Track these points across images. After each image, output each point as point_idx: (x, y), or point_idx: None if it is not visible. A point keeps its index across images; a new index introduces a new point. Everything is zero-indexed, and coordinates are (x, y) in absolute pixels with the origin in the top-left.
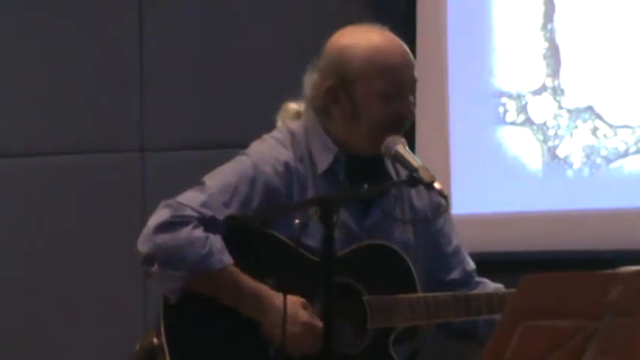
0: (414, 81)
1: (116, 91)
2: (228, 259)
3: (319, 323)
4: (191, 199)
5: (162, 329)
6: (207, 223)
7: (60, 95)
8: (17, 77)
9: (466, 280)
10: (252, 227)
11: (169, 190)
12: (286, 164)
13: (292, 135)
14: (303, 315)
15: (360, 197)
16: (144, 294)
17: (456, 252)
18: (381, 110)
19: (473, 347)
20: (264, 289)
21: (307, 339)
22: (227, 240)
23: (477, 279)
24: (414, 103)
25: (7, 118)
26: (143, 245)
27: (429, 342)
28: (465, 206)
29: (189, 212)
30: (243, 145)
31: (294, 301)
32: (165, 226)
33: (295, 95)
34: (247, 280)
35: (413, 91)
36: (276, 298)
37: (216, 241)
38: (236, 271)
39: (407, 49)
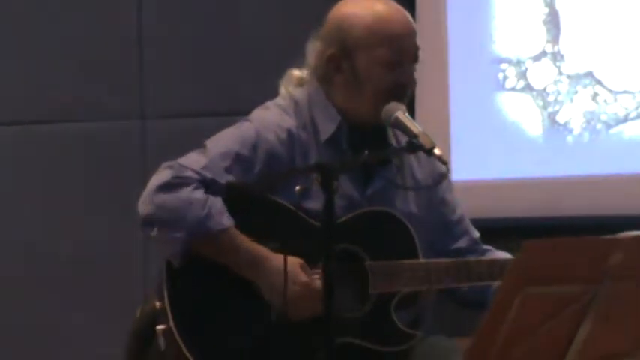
0: (416, 49)
1: (116, 58)
2: (227, 221)
3: (318, 284)
4: (193, 161)
5: (165, 292)
6: (208, 186)
7: (60, 63)
8: (17, 45)
9: (473, 248)
10: (254, 193)
11: (170, 158)
12: (289, 131)
13: (295, 102)
14: (302, 276)
15: (361, 164)
16: (144, 260)
17: (461, 220)
18: (383, 79)
19: (474, 314)
20: (264, 251)
21: (306, 300)
22: (228, 206)
23: (484, 246)
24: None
25: (7, 86)
26: (143, 206)
27: (430, 308)
28: (465, 172)
29: (189, 174)
30: (243, 113)
31: (292, 262)
32: (165, 187)
33: (297, 63)
34: (246, 242)
35: (415, 59)
36: (275, 259)
37: (217, 202)
38: (236, 233)
39: (409, 16)
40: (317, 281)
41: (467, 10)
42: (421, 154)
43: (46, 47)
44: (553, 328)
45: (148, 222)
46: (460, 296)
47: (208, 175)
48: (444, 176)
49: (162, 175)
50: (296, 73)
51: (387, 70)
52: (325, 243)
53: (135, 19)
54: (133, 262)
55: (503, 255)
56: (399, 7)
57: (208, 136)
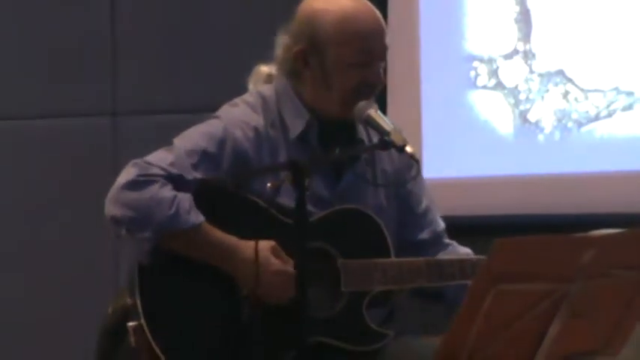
0: (384, 48)
1: (88, 54)
2: (196, 217)
3: (291, 269)
4: (159, 158)
5: (136, 289)
6: (175, 182)
7: (31, 59)
8: None
9: (435, 241)
10: (226, 189)
11: (141, 154)
12: (256, 129)
13: (264, 99)
14: (275, 263)
15: (332, 161)
16: (115, 257)
17: (426, 212)
18: (351, 77)
19: (446, 311)
20: (234, 241)
21: (280, 286)
22: (198, 201)
23: (447, 240)
24: (385, 70)
25: None
26: (110, 206)
27: (402, 307)
28: (437, 170)
29: (156, 171)
30: (215, 110)
31: (264, 249)
32: (131, 185)
33: (267, 59)
34: (217, 234)
35: (383, 58)
36: (247, 248)
37: (185, 200)
38: (205, 227)
39: (378, 15)
40: (289, 266)
41: (439, 7)
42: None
43: (16, 42)
44: (525, 325)
45: (116, 222)
46: (422, 290)
47: (175, 171)
48: (414, 173)
49: (128, 173)
50: (264, 69)
51: (354, 70)
52: (297, 241)
53: (108, 16)
54: (103, 259)
55: (466, 250)
56: (369, 4)
57: (179, 133)
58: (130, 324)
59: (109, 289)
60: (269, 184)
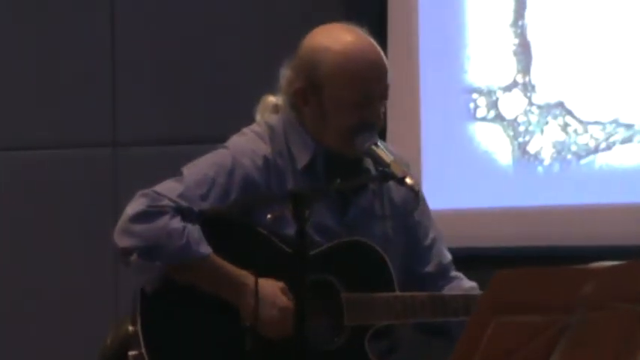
0: (385, 88)
1: (88, 85)
2: (205, 249)
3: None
4: (168, 189)
5: (138, 318)
6: (184, 214)
7: (31, 90)
8: None
9: (441, 274)
10: (230, 219)
11: (141, 185)
12: (265, 158)
13: (271, 129)
14: (282, 300)
15: (333, 192)
16: (115, 288)
17: (432, 245)
18: (348, 117)
19: (447, 344)
20: (243, 275)
21: (284, 323)
22: (204, 231)
23: (453, 273)
24: (385, 109)
25: None
26: (120, 237)
27: (405, 340)
28: (436, 202)
29: (165, 202)
30: (216, 140)
31: (272, 285)
32: (141, 216)
33: (271, 89)
34: (225, 266)
35: (384, 97)
36: (252, 282)
37: (194, 231)
38: (214, 259)
39: (381, 53)
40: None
41: (438, 38)
42: None
43: (17, 72)
44: (525, 357)
45: (126, 253)
46: (426, 325)
47: (184, 203)
48: (415, 205)
49: (137, 204)
50: (271, 99)
51: (352, 110)
52: (297, 272)
53: (108, 46)
54: (104, 288)
55: (471, 285)
56: (371, 41)
57: (180, 164)
58: (131, 353)
59: (108, 320)
60: (269, 216)
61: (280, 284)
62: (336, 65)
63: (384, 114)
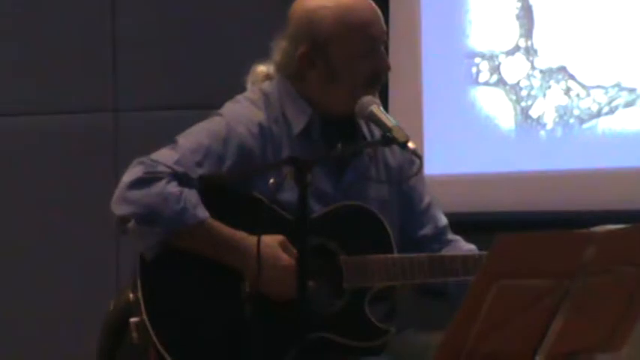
0: (383, 30)
1: (89, 51)
2: (203, 213)
3: (294, 265)
4: (164, 156)
5: (139, 284)
6: (181, 180)
7: (32, 56)
8: None
9: (437, 237)
10: (228, 185)
11: (142, 151)
12: (260, 125)
13: (266, 96)
14: (282, 258)
15: (334, 157)
16: (117, 253)
17: (428, 208)
18: (360, 68)
19: (447, 307)
20: (242, 237)
21: (282, 282)
22: (202, 198)
23: (450, 236)
24: (387, 50)
25: None
26: (117, 205)
27: (405, 302)
28: (438, 167)
29: (162, 168)
30: (216, 106)
31: (272, 245)
32: (138, 183)
33: (267, 56)
34: (224, 231)
35: (384, 41)
36: (253, 242)
37: (191, 195)
38: (212, 223)
39: (371, 1)
40: (295, 261)
41: (440, 4)
42: None
43: (16, 39)
44: (526, 321)
45: (124, 221)
46: (423, 286)
47: (180, 169)
48: (416, 169)
49: (134, 172)
50: (261, 68)
51: (362, 60)
52: (299, 237)
53: (109, 12)
54: (105, 255)
55: (469, 247)
56: None
57: (181, 129)
58: (132, 320)
59: (111, 286)
60: (271, 181)
61: (279, 238)
62: (336, 20)
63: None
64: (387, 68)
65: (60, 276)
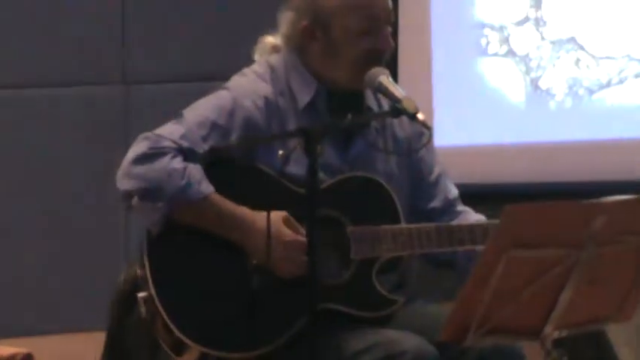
0: (389, 12)
1: (100, 23)
2: (207, 188)
3: (303, 239)
4: (169, 131)
5: (146, 260)
6: (186, 155)
7: (44, 27)
8: (1, 10)
9: (447, 209)
10: (235, 157)
11: (153, 123)
12: (266, 98)
13: (272, 69)
14: (287, 234)
15: (343, 128)
16: (127, 227)
17: (438, 180)
18: (359, 46)
19: (457, 278)
20: (246, 212)
21: (292, 258)
22: (209, 172)
23: (459, 207)
24: (396, 32)
25: None
26: (121, 180)
27: (413, 273)
28: (447, 138)
29: (167, 144)
30: (226, 78)
31: (276, 219)
32: (142, 158)
33: (275, 28)
34: (228, 206)
35: (389, 22)
36: (258, 219)
37: (195, 171)
38: (216, 198)
39: None
40: (301, 235)
41: None
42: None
43: (28, 12)
44: (536, 291)
45: (128, 196)
46: (431, 256)
47: (185, 144)
48: (426, 141)
49: (138, 147)
50: (269, 40)
51: (362, 38)
52: (309, 209)
53: None
54: (115, 229)
55: (479, 218)
56: None
57: (191, 101)
58: (140, 295)
59: (120, 259)
60: (280, 152)
61: (283, 214)
62: None
63: (392, 41)
64: (389, 48)
65: (69, 249)
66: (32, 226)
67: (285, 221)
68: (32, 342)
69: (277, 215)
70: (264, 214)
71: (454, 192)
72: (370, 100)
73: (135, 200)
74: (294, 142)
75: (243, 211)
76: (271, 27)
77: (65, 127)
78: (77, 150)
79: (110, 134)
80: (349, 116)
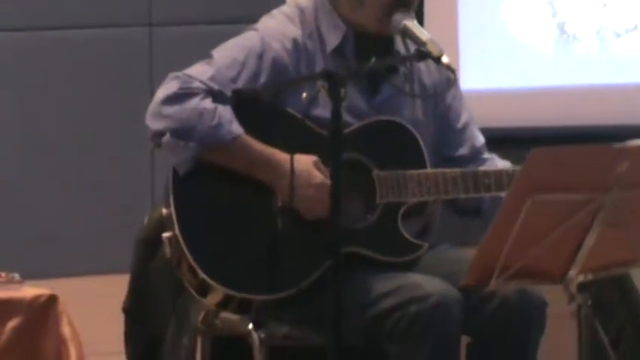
0: None
1: None
2: (237, 129)
3: (328, 182)
4: (199, 72)
5: (172, 199)
6: (215, 96)
7: None
8: None
9: (474, 156)
10: (261, 100)
11: (177, 65)
12: (294, 40)
13: (301, 11)
14: (316, 176)
15: (368, 71)
16: (152, 167)
17: (465, 128)
18: None
19: (482, 224)
20: (276, 154)
21: (320, 203)
22: (237, 115)
23: (486, 155)
24: None
25: None
26: (152, 119)
27: (438, 219)
28: (473, 81)
29: (197, 84)
30: (251, 20)
31: (306, 162)
32: (173, 98)
33: None
34: (258, 147)
35: None
36: (286, 160)
37: (226, 111)
38: (246, 139)
39: None
40: (328, 180)
41: None
42: (430, 61)
43: None
44: (561, 235)
45: (158, 135)
46: (457, 204)
47: (215, 85)
48: (451, 84)
49: (169, 87)
50: None
51: None
52: (333, 151)
53: None
54: (141, 170)
55: (504, 164)
56: None
57: (216, 44)
58: (165, 235)
59: (146, 201)
60: (304, 94)
61: (313, 158)
62: None
63: None
64: None
65: (96, 190)
66: (56, 168)
67: (315, 164)
68: (56, 283)
69: (308, 158)
70: (294, 155)
71: (481, 140)
72: (399, 45)
73: (166, 138)
74: (318, 85)
75: (274, 152)
76: None
77: (89, 69)
78: (102, 92)
79: (134, 76)
80: (373, 59)
